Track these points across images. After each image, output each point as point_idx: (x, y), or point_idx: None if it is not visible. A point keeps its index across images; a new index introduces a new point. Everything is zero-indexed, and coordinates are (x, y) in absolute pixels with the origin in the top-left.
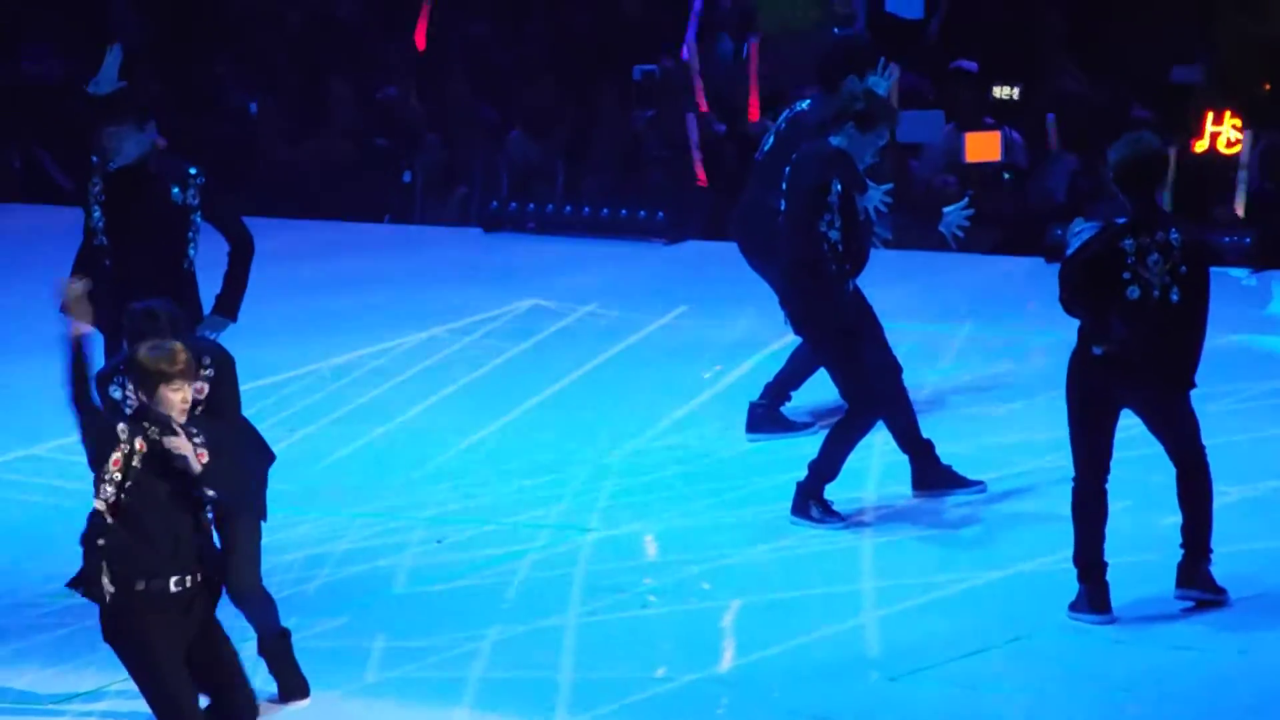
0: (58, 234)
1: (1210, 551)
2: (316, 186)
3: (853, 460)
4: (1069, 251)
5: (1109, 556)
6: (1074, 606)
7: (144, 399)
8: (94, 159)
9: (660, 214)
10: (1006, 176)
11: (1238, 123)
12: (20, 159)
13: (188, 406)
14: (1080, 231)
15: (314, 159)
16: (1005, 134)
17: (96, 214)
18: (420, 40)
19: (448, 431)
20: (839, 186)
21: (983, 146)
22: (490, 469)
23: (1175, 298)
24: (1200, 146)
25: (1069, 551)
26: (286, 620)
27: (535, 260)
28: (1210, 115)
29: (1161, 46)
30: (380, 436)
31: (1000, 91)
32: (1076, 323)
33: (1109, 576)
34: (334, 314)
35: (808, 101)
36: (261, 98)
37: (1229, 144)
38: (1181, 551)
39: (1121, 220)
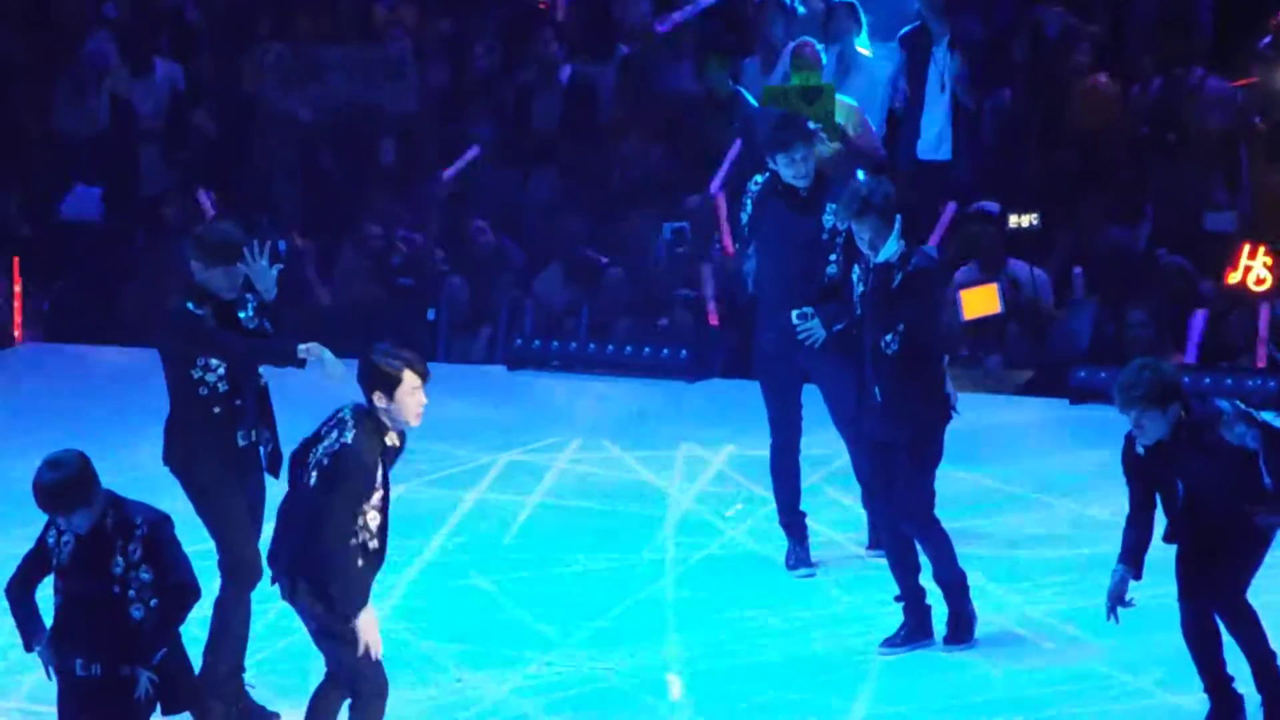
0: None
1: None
2: (342, 324)
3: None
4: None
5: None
6: None
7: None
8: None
9: (683, 352)
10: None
11: (1269, 260)
12: (50, 301)
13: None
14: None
15: (339, 297)
16: (1011, 276)
17: None
18: (449, 180)
19: (464, 568)
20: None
21: (981, 301)
22: (513, 608)
23: None
24: (1233, 278)
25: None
26: None
27: (558, 399)
28: (1246, 248)
29: (1195, 193)
30: (399, 573)
31: (1015, 220)
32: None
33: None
34: None
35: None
36: (291, 237)
37: (1258, 281)
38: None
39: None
